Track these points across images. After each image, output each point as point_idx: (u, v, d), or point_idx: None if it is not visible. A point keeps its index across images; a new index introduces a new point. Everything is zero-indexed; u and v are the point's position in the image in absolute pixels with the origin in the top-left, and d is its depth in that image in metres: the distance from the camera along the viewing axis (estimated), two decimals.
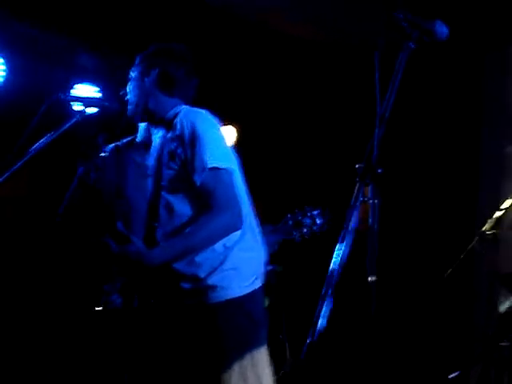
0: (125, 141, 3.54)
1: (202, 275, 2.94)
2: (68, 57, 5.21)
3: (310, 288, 3.79)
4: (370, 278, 2.01)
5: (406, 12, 2.21)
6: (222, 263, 2.95)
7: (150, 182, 3.09)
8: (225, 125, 5.60)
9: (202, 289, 2.95)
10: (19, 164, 2.73)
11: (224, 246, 2.96)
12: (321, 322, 1.91)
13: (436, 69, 5.81)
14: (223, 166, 2.92)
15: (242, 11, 5.45)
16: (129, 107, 3.20)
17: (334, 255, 1.99)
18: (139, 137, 3.45)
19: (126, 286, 3.10)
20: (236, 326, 2.92)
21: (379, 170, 2.05)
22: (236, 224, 2.93)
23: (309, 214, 3.98)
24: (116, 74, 5.04)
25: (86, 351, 4.69)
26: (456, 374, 4.30)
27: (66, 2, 4.99)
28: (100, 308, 3.20)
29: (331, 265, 1.98)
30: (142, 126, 3.32)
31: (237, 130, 5.90)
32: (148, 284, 3.03)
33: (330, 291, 1.93)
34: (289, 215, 3.97)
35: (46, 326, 5.10)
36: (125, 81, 3.48)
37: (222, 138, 3.02)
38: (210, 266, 2.94)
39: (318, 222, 3.99)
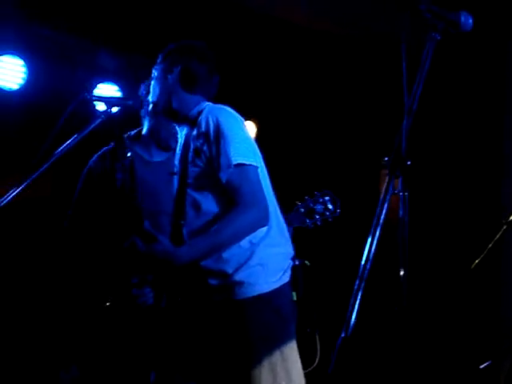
0: (132, 133, 3.56)
1: (230, 271, 2.94)
2: (89, 57, 5.23)
3: (340, 282, 3.80)
4: (401, 271, 2.00)
5: (429, 4, 2.20)
6: (248, 259, 2.94)
7: (175, 180, 3.10)
8: (245, 120, 5.64)
9: (229, 285, 2.94)
10: (45, 166, 2.73)
11: (250, 242, 2.95)
12: (353, 317, 1.90)
13: (459, 59, 5.77)
14: (248, 162, 2.92)
15: (260, 5, 5.43)
16: (152, 106, 3.21)
17: (366, 248, 1.98)
18: (145, 130, 3.48)
19: (155, 281, 3.11)
20: (264, 322, 2.91)
21: (408, 162, 2.04)
22: (262, 220, 2.93)
23: (320, 200, 3.94)
24: (137, 73, 5.09)
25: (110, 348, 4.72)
26: (487, 364, 4.28)
27: (85, 3, 5.01)
28: (109, 304, 3.20)
29: (362, 258, 1.98)
30: (147, 119, 3.33)
31: (257, 125, 5.89)
32: (175, 282, 3.04)
33: (362, 285, 1.92)
34: (299, 203, 3.94)
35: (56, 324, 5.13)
36: (145, 80, 3.49)
37: (247, 134, 3.02)
38: (237, 262, 2.94)
39: (330, 207, 3.94)
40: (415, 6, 2.18)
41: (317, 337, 3.71)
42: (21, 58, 4.91)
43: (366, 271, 1.94)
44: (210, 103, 3.14)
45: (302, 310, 3.13)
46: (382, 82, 5.23)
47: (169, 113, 3.17)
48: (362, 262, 1.96)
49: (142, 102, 3.40)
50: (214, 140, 2.93)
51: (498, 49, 5.82)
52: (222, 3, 5.29)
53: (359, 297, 1.91)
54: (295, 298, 3.05)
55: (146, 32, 5.26)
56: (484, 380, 4.66)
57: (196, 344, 3.06)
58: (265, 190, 2.98)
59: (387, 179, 2.03)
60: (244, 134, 3.00)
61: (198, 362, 3.07)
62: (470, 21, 2.26)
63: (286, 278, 3.01)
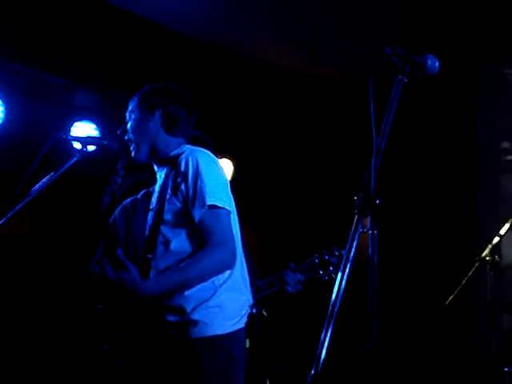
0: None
1: (188, 309, 2.98)
2: (66, 96, 5.25)
3: (311, 320, 3.82)
4: (370, 308, 2.03)
5: (395, 47, 2.25)
6: (207, 300, 2.99)
7: (150, 215, 3.15)
8: (220, 158, 5.69)
9: (185, 322, 2.98)
10: (21, 204, 2.74)
11: (213, 282, 3.00)
12: (323, 354, 1.92)
13: (428, 98, 5.88)
14: (222, 205, 2.98)
15: (233, 46, 5.52)
16: (132, 148, 3.23)
17: (335, 285, 2.01)
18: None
19: (111, 316, 3.12)
20: (215, 363, 2.95)
21: (377, 201, 2.08)
22: (229, 262, 2.99)
23: (336, 254, 3.97)
24: (114, 111, 5.13)
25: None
26: None
27: (63, 41, 5.05)
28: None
29: (332, 295, 2.00)
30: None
31: (233, 163, 5.94)
32: (134, 314, 3.05)
33: (332, 322, 1.94)
34: (316, 254, 3.96)
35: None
36: (122, 118, 3.52)
37: (223, 179, 3.08)
38: (196, 301, 2.98)
39: (344, 255, 3.95)
40: (382, 49, 2.23)
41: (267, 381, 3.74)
42: None
43: (336, 309, 1.96)
44: (190, 145, 3.21)
45: (256, 357, 3.15)
46: (352, 121, 5.30)
47: (151, 154, 3.21)
48: (332, 300, 1.98)
49: (121, 142, 3.41)
50: (192, 180, 2.99)
51: (468, 87, 5.93)
52: (195, 43, 5.36)
53: (329, 334, 1.93)
54: (248, 345, 3.07)
55: (123, 71, 5.32)
56: None
57: (148, 379, 3.05)
58: (234, 235, 3.04)
59: (356, 218, 2.06)
60: (221, 178, 3.06)
61: None
62: (437, 64, 2.30)
63: (242, 324, 3.05)
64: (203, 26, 5.28)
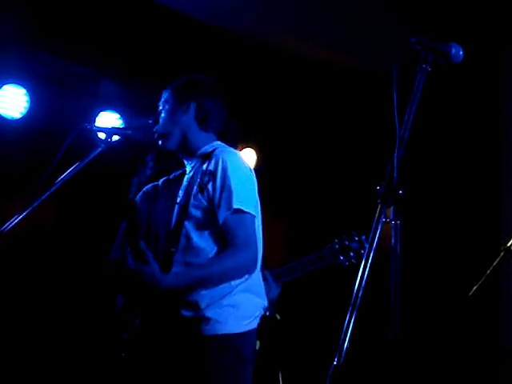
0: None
1: (202, 306, 2.99)
2: (91, 86, 5.28)
3: (333, 311, 3.83)
4: (393, 298, 2.03)
5: (419, 36, 2.24)
6: (222, 298, 2.99)
7: (176, 209, 3.15)
8: (243, 148, 5.69)
9: (198, 319, 2.99)
10: (47, 194, 2.77)
11: (229, 282, 3.00)
12: (346, 345, 1.92)
13: (452, 87, 5.83)
14: (247, 210, 2.98)
15: (257, 35, 5.51)
16: (162, 137, 3.22)
17: (358, 276, 2.01)
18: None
19: (131, 303, 3.14)
20: (225, 361, 2.96)
21: (400, 191, 2.08)
22: (251, 265, 3.01)
23: (356, 239, 3.99)
24: (138, 101, 5.15)
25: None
26: None
27: (87, 31, 5.07)
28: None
29: (355, 286, 2.00)
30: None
31: (256, 153, 5.94)
32: (151, 305, 3.07)
33: (354, 312, 1.94)
34: (336, 240, 3.99)
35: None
36: (146, 108, 3.53)
37: (251, 183, 3.08)
38: (211, 298, 2.99)
39: (367, 246, 3.97)
40: (405, 38, 2.22)
41: (280, 378, 3.76)
42: (23, 86, 4.95)
43: (359, 299, 1.97)
44: (222, 143, 3.22)
45: (268, 359, 3.16)
46: (376, 111, 5.27)
47: (180, 145, 3.22)
48: (355, 290, 1.99)
49: (146, 133, 3.41)
50: (220, 182, 2.99)
51: (493, 75, 5.87)
52: (219, 33, 5.36)
53: (352, 324, 1.94)
54: (258, 347, 3.08)
55: (148, 61, 5.33)
56: None
57: (158, 372, 3.07)
58: (257, 240, 3.04)
59: (379, 208, 2.06)
60: (249, 182, 3.07)
61: None
62: (461, 52, 2.29)
63: (254, 325, 3.05)
64: (228, 15, 5.28)
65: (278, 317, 3.18)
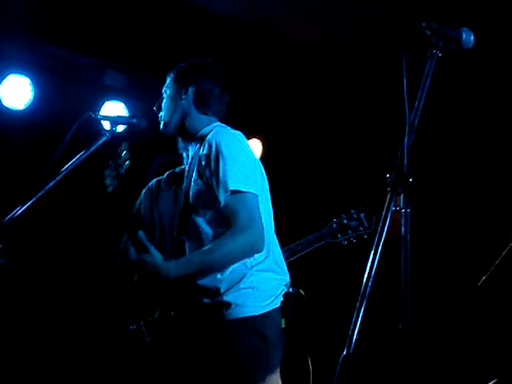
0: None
1: (221, 291, 2.97)
2: (95, 76, 5.26)
3: (342, 300, 3.80)
4: (403, 287, 2.00)
5: (429, 21, 2.21)
6: (239, 281, 2.97)
7: (181, 197, 3.13)
8: (250, 138, 5.67)
9: (219, 304, 2.97)
10: (51, 184, 2.74)
11: (244, 265, 2.98)
12: (355, 335, 1.89)
13: (462, 73, 5.78)
14: (246, 190, 2.93)
15: (262, 21, 5.47)
16: (163, 124, 3.22)
17: (367, 265, 1.98)
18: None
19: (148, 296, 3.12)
20: (248, 345, 2.93)
21: (410, 179, 2.04)
22: (256, 244, 2.94)
23: (355, 217, 3.99)
24: (144, 91, 5.12)
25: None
26: (493, 382, 4.25)
27: (92, 21, 5.04)
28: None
29: (364, 275, 1.97)
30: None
31: (263, 143, 5.91)
32: (169, 295, 3.05)
33: (364, 302, 1.91)
34: (334, 219, 4.00)
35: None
36: (151, 98, 3.50)
37: (248, 161, 3.02)
38: (229, 283, 2.96)
39: (365, 223, 3.99)
40: (415, 23, 2.19)
41: (309, 361, 3.73)
42: (27, 76, 4.93)
43: (368, 288, 1.94)
44: (220, 124, 3.17)
45: (294, 337, 3.12)
46: (385, 98, 5.24)
47: (180, 131, 3.20)
48: (364, 279, 1.96)
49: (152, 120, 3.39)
50: (214, 163, 2.96)
51: (504, 60, 5.81)
52: (224, 20, 5.32)
53: (361, 314, 1.91)
54: (284, 325, 3.05)
55: (152, 50, 5.30)
56: None
57: (182, 360, 3.07)
58: (264, 218, 2.99)
59: (388, 196, 2.03)
60: (246, 160, 3.00)
61: (182, 379, 3.07)
62: (472, 37, 2.27)
63: (276, 304, 3.01)
64: (233, 2, 5.23)
65: (303, 292, 3.13)
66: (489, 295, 5.15)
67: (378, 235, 2.00)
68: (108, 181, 3.22)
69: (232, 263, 2.95)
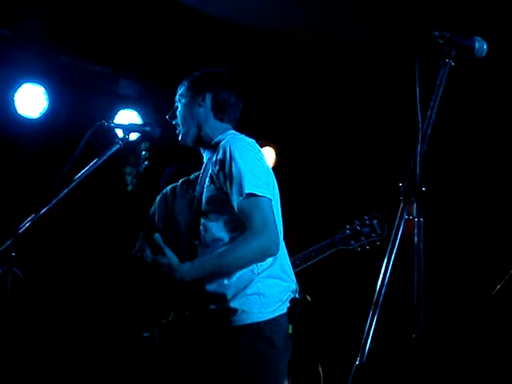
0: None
1: (228, 297, 2.97)
2: (109, 84, 5.28)
3: (355, 309, 3.80)
4: (416, 296, 1.99)
5: (442, 30, 2.21)
6: (246, 287, 2.97)
7: (194, 202, 3.14)
8: (263, 146, 5.68)
9: (225, 310, 2.97)
10: (65, 191, 2.76)
11: (251, 271, 2.98)
12: (368, 344, 1.89)
13: (475, 83, 5.76)
14: (260, 193, 2.94)
15: (277, 30, 5.48)
16: (179, 132, 3.25)
17: (380, 274, 1.97)
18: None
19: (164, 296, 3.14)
20: (255, 351, 2.92)
21: (423, 188, 2.04)
22: (271, 249, 2.95)
23: (367, 223, 4.00)
24: (157, 99, 5.14)
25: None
26: None
27: (106, 31, 5.07)
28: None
29: (377, 284, 1.97)
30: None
31: (275, 151, 5.91)
32: (183, 297, 3.07)
33: (377, 311, 1.91)
34: (347, 226, 4.01)
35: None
36: (164, 106, 3.52)
37: (261, 166, 3.03)
38: (235, 289, 2.97)
39: (378, 230, 4.00)
40: (428, 32, 2.19)
41: (320, 368, 3.73)
42: (42, 85, 4.96)
43: (381, 297, 1.93)
44: (234, 131, 3.21)
45: (303, 343, 3.12)
46: (398, 107, 5.24)
47: (197, 139, 3.23)
48: (377, 288, 1.95)
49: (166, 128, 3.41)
50: (229, 168, 2.97)
51: None
52: (237, 29, 5.34)
53: (374, 323, 1.90)
54: (291, 331, 3.04)
55: (166, 59, 5.32)
56: None
57: (191, 364, 3.07)
58: (277, 222, 3.00)
59: (401, 205, 2.03)
60: (259, 165, 3.02)
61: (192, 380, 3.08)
62: (485, 46, 2.26)
63: (283, 310, 3.00)
64: (242, 11, 5.25)
65: (309, 298, 3.13)
66: (503, 304, 5.13)
67: (390, 244, 2.00)
68: (128, 179, 3.25)
69: (246, 266, 2.96)
